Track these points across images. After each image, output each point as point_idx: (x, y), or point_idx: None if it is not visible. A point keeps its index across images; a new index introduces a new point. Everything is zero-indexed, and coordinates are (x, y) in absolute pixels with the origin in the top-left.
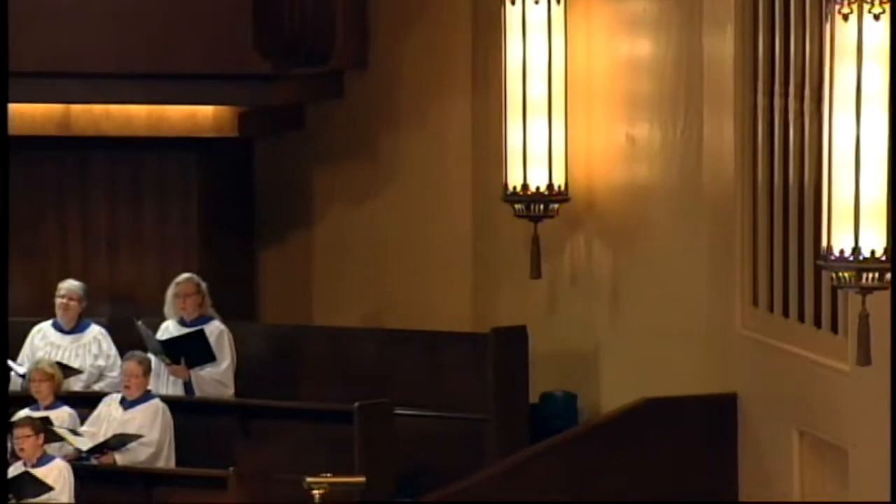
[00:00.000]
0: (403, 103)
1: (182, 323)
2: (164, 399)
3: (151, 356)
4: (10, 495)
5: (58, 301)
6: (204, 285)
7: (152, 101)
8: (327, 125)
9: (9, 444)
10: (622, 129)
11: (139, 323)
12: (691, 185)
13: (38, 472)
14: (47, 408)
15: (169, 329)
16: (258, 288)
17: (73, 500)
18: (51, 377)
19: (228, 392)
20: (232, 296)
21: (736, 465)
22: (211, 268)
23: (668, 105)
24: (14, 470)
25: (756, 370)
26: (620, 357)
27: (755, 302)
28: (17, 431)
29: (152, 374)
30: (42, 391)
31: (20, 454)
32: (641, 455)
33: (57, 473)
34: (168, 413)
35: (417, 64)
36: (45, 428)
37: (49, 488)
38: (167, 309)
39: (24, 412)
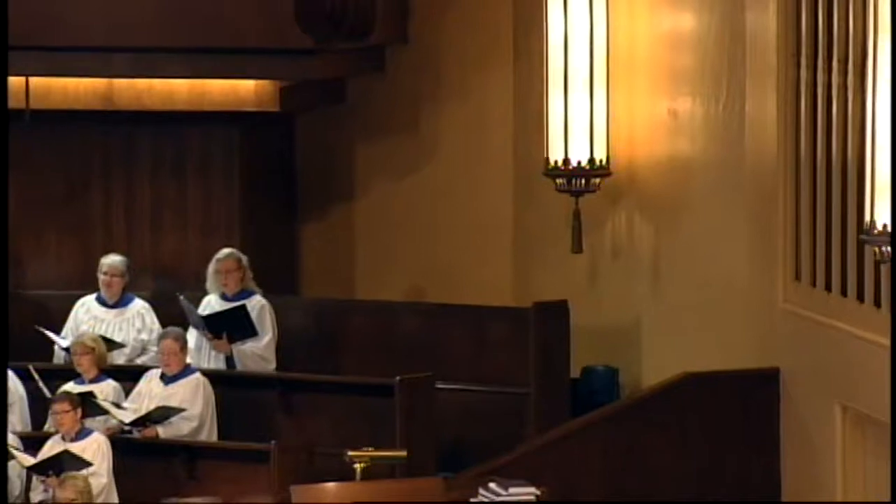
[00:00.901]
0: (445, 77)
1: (224, 298)
2: (206, 373)
3: (193, 330)
4: (50, 471)
5: (101, 278)
6: (245, 260)
7: (194, 76)
8: (369, 99)
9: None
10: (664, 103)
11: (181, 297)
12: (733, 159)
13: (77, 447)
14: (91, 381)
15: (211, 304)
16: (300, 262)
17: (111, 474)
18: (92, 350)
19: (270, 366)
20: (274, 270)
21: (778, 440)
22: (253, 242)
23: (710, 79)
24: (51, 444)
25: (798, 345)
26: (662, 332)
27: (797, 276)
28: (56, 406)
29: (194, 348)
30: (84, 364)
31: (59, 429)
32: (683, 430)
33: (95, 448)
34: (209, 387)
35: (458, 38)
36: (86, 401)
37: (88, 464)
38: (209, 284)
39: (68, 386)
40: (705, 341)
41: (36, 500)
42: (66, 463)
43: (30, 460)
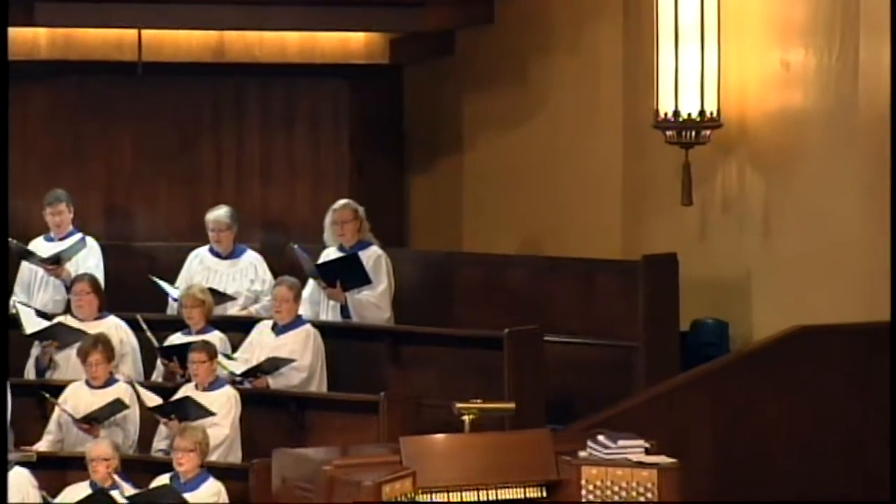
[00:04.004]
0: (554, 28)
1: (342, 249)
2: (317, 325)
3: (309, 283)
4: (172, 415)
5: (210, 234)
6: (361, 211)
7: (305, 28)
8: (478, 51)
9: (158, 368)
10: (776, 54)
11: (296, 247)
12: (846, 110)
13: (208, 397)
14: (198, 332)
15: (330, 257)
16: (408, 214)
17: (236, 427)
18: (202, 303)
19: (384, 315)
20: (382, 222)
21: (892, 394)
22: (362, 194)
23: (823, 29)
24: (183, 392)
25: None
26: (773, 285)
27: None
28: (193, 356)
29: (311, 301)
30: (194, 317)
31: (194, 378)
32: (794, 385)
33: (224, 400)
34: (319, 338)
35: None
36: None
37: (210, 413)
38: (326, 236)
39: (175, 336)
40: (816, 295)
41: (159, 447)
42: (189, 409)
43: (155, 400)
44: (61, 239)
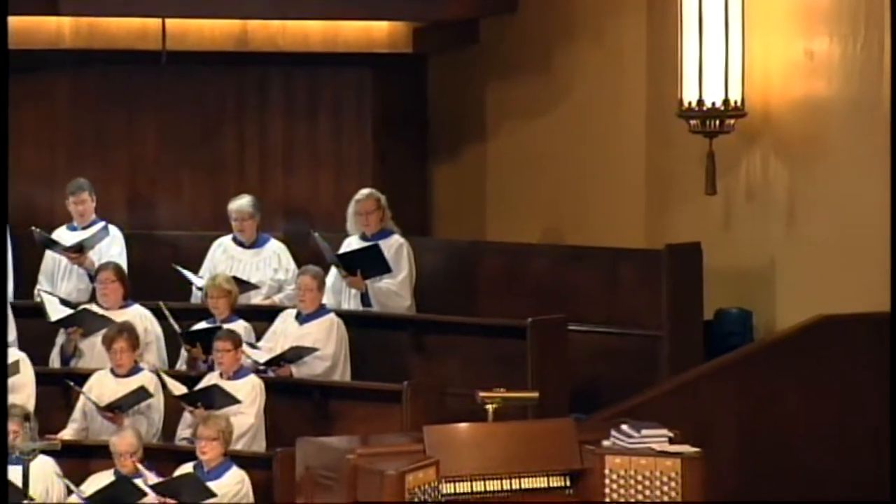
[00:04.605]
0: (578, 17)
1: (364, 238)
2: (340, 314)
3: (332, 272)
4: (199, 403)
5: (233, 223)
6: (384, 200)
7: (328, 17)
8: (502, 40)
9: (181, 354)
10: (800, 43)
11: (316, 235)
12: (871, 99)
13: (233, 385)
14: (223, 321)
15: (351, 245)
16: (431, 203)
17: (261, 417)
18: (227, 293)
19: (405, 303)
20: (406, 211)
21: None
22: (384, 183)
23: (847, 18)
24: (208, 380)
25: None
26: (796, 274)
27: None
28: (218, 344)
29: (333, 290)
30: (219, 307)
31: (219, 367)
32: (818, 374)
33: (249, 388)
34: (343, 327)
35: None
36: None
37: (236, 401)
38: (349, 225)
39: (200, 325)
40: (840, 284)
41: (182, 436)
42: (215, 397)
43: (181, 388)
44: (84, 228)
